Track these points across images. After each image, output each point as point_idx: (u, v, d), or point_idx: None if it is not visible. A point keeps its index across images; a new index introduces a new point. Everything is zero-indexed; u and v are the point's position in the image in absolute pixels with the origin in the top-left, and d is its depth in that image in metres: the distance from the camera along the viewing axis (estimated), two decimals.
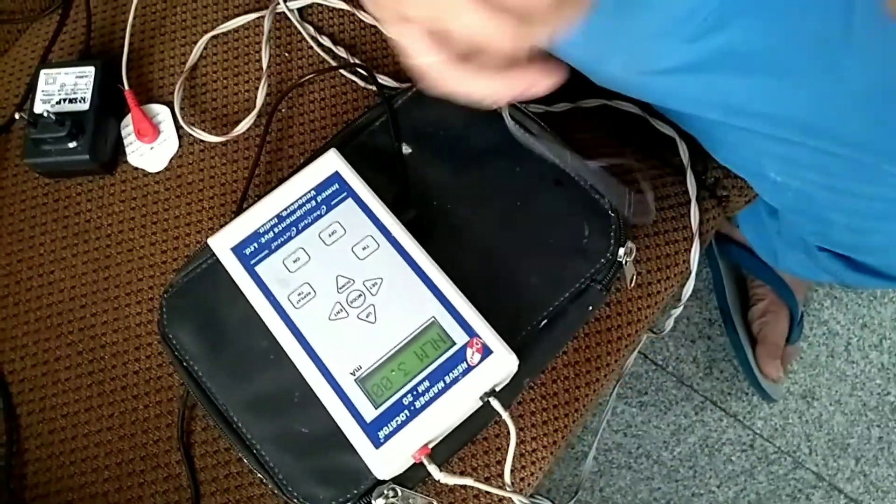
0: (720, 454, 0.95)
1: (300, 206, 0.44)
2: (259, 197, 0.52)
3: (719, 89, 0.48)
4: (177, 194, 0.55)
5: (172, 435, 0.49)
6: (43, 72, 0.56)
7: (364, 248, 0.42)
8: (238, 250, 0.43)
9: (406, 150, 0.48)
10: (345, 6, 0.60)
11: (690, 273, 0.55)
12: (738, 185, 0.58)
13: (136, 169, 0.56)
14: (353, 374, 0.39)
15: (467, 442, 0.43)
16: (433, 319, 0.40)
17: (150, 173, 0.56)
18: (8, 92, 0.60)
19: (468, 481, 0.38)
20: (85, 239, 0.55)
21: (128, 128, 0.57)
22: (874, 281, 0.59)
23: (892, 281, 0.59)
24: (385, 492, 0.39)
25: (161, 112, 0.57)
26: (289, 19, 0.59)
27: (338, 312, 0.41)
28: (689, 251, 0.54)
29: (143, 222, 0.55)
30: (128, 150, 0.56)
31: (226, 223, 0.52)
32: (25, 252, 0.55)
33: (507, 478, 0.39)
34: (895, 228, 0.51)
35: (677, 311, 0.59)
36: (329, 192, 0.44)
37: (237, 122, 0.56)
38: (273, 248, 0.43)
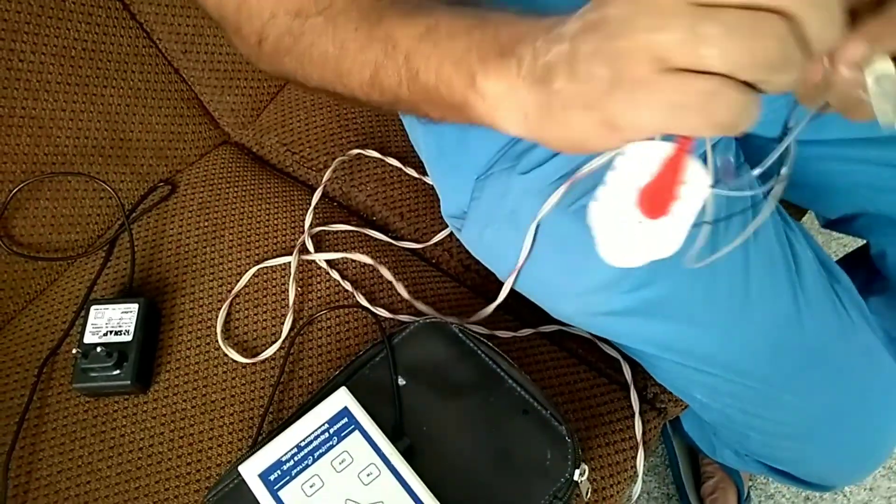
0: None
1: (316, 438, 0.54)
2: (275, 420, 0.62)
3: (652, 331, 0.60)
4: (202, 411, 0.65)
5: None
6: (93, 307, 0.67)
7: (368, 475, 0.52)
8: (264, 476, 0.52)
9: (401, 381, 0.59)
10: (368, 259, 0.73)
11: (638, 476, 0.65)
12: (674, 398, 0.69)
13: (168, 388, 0.66)
14: None
15: None
16: None
17: (179, 391, 0.66)
18: (57, 318, 0.71)
19: None
20: (119, 452, 0.63)
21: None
22: (794, 484, 0.70)
23: (810, 486, 0.69)
24: None
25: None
26: (306, 256, 0.72)
27: None
28: (636, 458, 0.65)
29: (171, 437, 0.64)
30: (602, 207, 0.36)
31: (245, 439, 0.62)
32: (65, 464, 0.63)
33: None
34: (800, 447, 0.62)
35: None
36: (339, 424, 0.54)
37: (261, 347, 0.67)
38: (293, 474, 0.52)
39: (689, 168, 0.32)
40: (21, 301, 0.74)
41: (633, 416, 0.66)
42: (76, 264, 0.75)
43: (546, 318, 0.70)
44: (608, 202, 0.32)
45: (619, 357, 0.69)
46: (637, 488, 0.66)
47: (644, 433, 0.66)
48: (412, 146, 0.74)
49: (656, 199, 0.32)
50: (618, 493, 0.64)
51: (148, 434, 0.64)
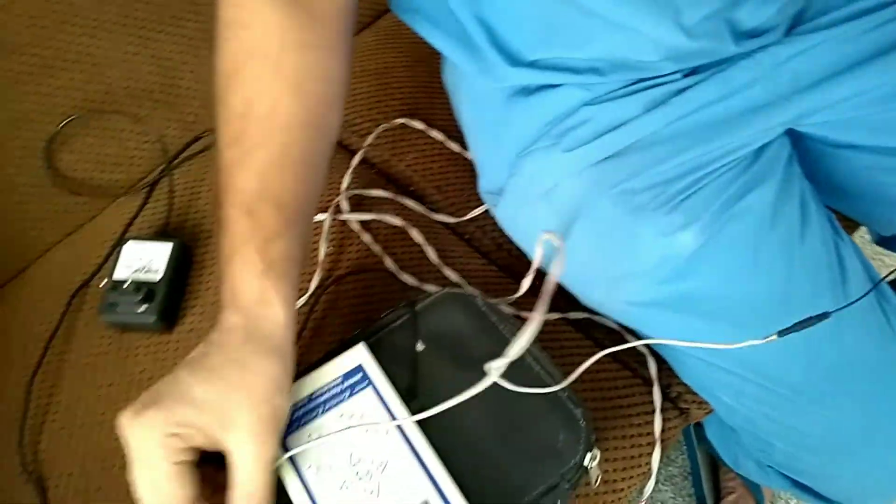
0: None
1: (329, 390, 0.53)
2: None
3: (682, 325, 0.59)
4: None
5: None
6: (129, 242, 0.68)
7: (376, 432, 0.51)
8: None
9: (420, 347, 0.58)
10: (400, 222, 0.73)
11: (651, 474, 0.63)
12: (698, 400, 0.67)
13: (191, 330, 0.67)
14: None
15: None
16: (426, 501, 0.48)
17: (202, 335, 0.66)
18: (92, 253, 0.72)
19: None
20: (137, 387, 0.64)
21: None
22: (816, 502, 0.67)
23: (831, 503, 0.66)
24: None
25: None
26: (340, 216, 0.72)
27: (348, 484, 0.49)
28: (652, 455, 0.63)
29: None
30: None
31: None
32: (84, 392, 0.65)
33: None
34: (825, 462, 0.60)
35: None
36: (354, 380, 0.54)
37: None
38: (302, 422, 0.52)
39: None
40: (59, 234, 0.75)
41: (653, 412, 0.64)
42: (116, 204, 0.76)
43: (575, 304, 0.69)
44: None
45: (645, 352, 0.67)
46: (650, 486, 0.64)
47: (663, 431, 0.64)
48: (457, 120, 0.73)
49: None
50: (628, 487, 0.62)
51: (167, 372, 0.64)
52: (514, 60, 0.59)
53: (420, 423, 0.52)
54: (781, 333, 0.51)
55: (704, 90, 0.59)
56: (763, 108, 0.60)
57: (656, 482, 1.07)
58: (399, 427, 0.51)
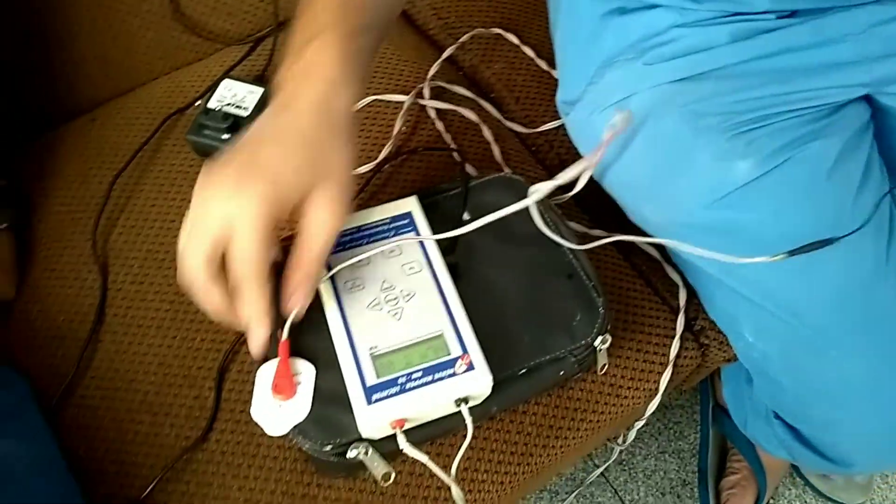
0: None
1: (377, 226, 0.57)
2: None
3: (723, 250, 0.60)
4: None
5: (213, 367, 0.62)
6: (226, 79, 0.73)
7: (410, 268, 0.55)
8: None
9: (466, 216, 0.62)
10: (474, 118, 0.76)
11: (658, 393, 0.65)
12: (720, 340, 0.69)
13: None
14: (369, 349, 0.51)
15: (436, 437, 0.54)
16: (441, 332, 0.52)
17: None
18: (192, 88, 0.78)
19: (423, 458, 0.49)
20: None
21: (265, 377, 0.51)
22: (817, 460, 0.68)
23: (831, 462, 0.67)
24: (360, 445, 0.50)
25: (304, 370, 0.52)
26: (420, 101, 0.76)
27: (375, 304, 0.53)
28: (662, 375, 0.65)
29: None
30: (255, 399, 0.51)
31: None
32: (160, 201, 0.71)
33: (454, 468, 0.50)
34: (831, 409, 0.60)
35: (640, 424, 0.68)
36: (401, 223, 0.58)
37: (356, 164, 0.71)
38: (346, 246, 0.56)
39: (296, 364, 0.52)
40: (167, 66, 0.82)
41: (673, 337, 0.66)
42: (222, 52, 0.82)
43: (621, 228, 0.71)
44: (259, 398, 0.50)
45: (679, 282, 0.69)
46: (653, 405, 0.66)
47: (678, 357, 0.66)
48: (550, 40, 0.76)
49: (282, 388, 0.50)
50: (633, 398, 0.64)
51: None
52: None
53: (452, 272, 0.56)
54: (792, 253, 0.51)
55: (793, 34, 0.60)
56: (847, 64, 0.60)
57: (663, 452, 1.08)
58: (431, 268, 0.55)
